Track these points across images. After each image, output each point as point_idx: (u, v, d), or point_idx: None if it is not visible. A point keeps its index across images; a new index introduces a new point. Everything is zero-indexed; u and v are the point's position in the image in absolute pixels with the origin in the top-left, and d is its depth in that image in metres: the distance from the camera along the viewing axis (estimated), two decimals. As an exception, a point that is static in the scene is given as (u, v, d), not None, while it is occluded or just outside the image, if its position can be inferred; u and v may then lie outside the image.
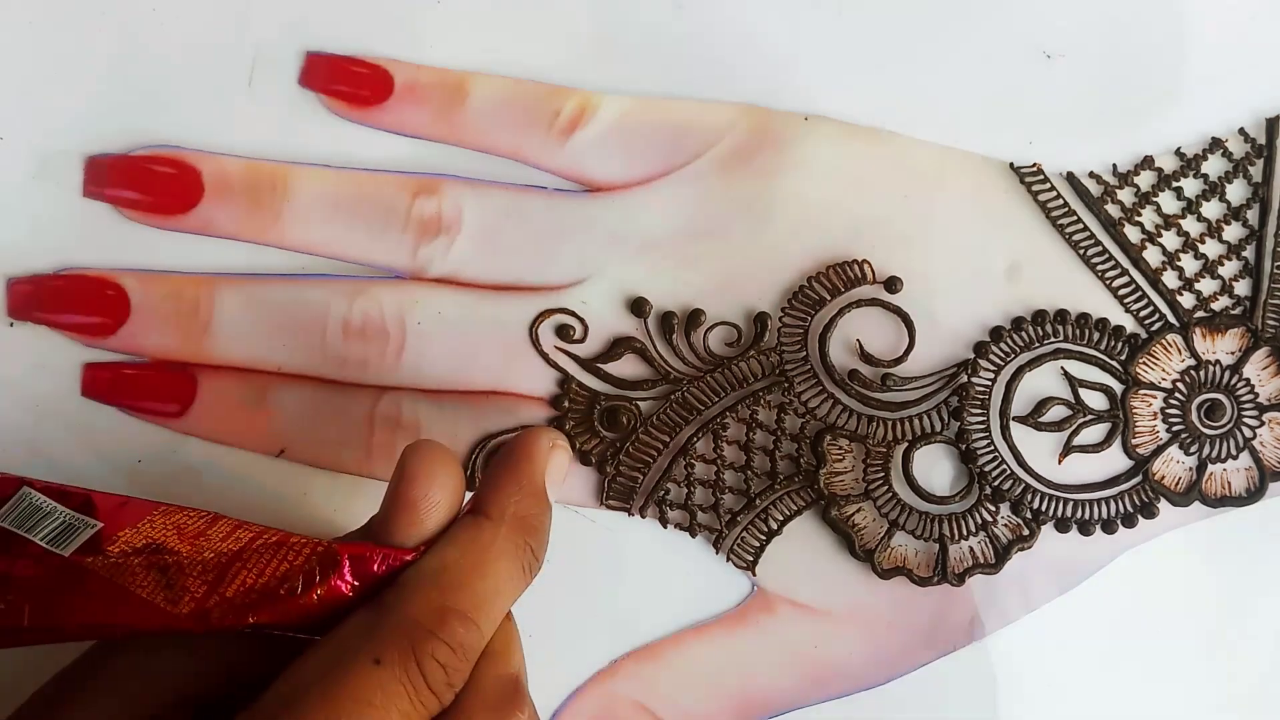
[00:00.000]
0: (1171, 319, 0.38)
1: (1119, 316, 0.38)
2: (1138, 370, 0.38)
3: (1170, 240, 0.38)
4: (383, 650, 0.26)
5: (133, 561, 0.27)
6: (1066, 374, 0.38)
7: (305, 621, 0.27)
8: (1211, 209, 0.39)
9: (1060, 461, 0.38)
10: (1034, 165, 0.38)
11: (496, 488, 0.31)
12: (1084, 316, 0.38)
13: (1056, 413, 0.38)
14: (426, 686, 0.26)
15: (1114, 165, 0.38)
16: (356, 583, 0.28)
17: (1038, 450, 0.38)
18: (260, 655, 0.28)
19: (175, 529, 0.28)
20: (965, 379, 0.38)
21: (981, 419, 0.38)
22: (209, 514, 0.29)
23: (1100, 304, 0.38)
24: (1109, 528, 0.38)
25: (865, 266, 0.37)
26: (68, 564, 0.27)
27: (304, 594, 0.27)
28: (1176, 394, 0.38)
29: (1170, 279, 0.38)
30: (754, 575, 0.38)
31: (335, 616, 0.27)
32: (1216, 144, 0.38)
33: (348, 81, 0.37)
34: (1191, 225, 0.39)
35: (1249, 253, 0.39)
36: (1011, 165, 0.38)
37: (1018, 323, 0.38)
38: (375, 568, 0.28)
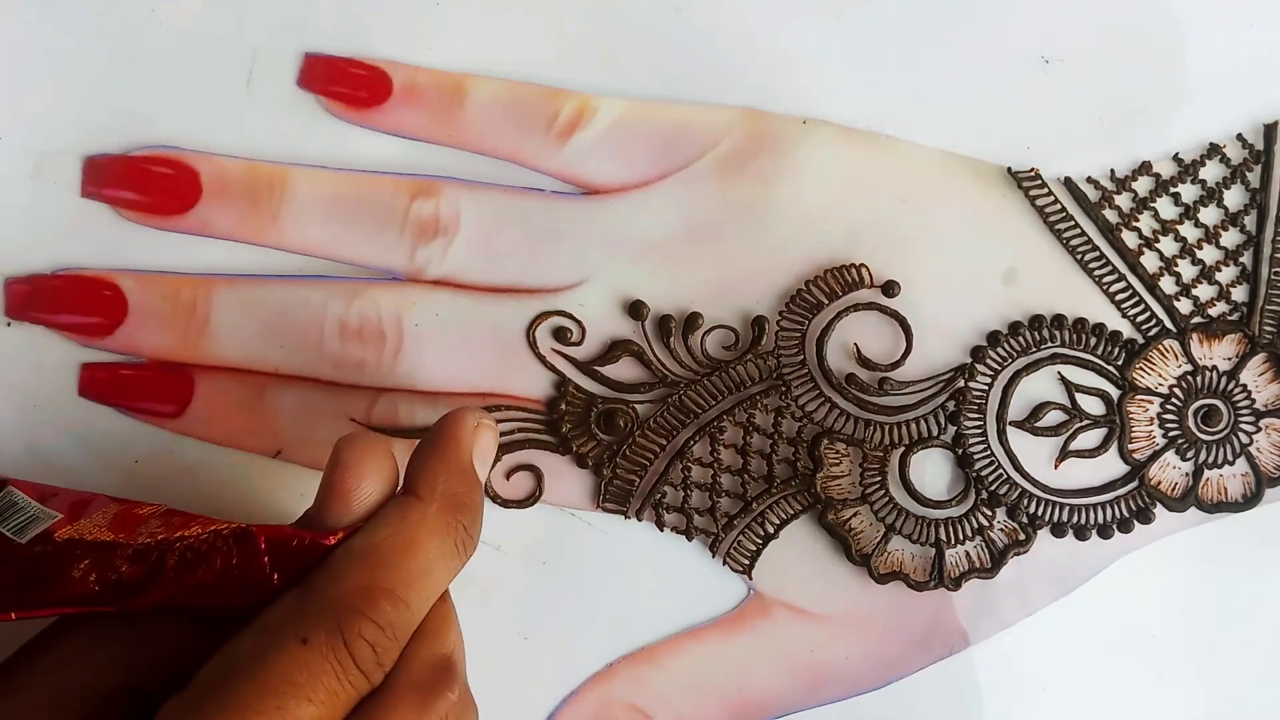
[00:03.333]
0: (1168, 324, 0.38)
1: (1116, 321, 0.38)
2: (1134, 375, 0.38)
3: (1168, 246, 0.38)
4: (309, 630, 0.26)
5: (72, 547, 0.29)
6: (1063, 379, 0.38)
7: (227, 602, 0.28)
8: (1209, 215, 0.39)
9: (1057, 466, 0.38)
10: (1032, 170, 0.38)
11: (424, 467, 0.30)
12: (1081, 321, 0.38)
13: (1053, 417, 0.38)
14: (355, 665, 0.26)
15: (1111, 170, 0.38)
16: (274, 564, 0.28)
17: (1034, 455, 0.38)
18: (197, 645, 0.28)
19: (120, 519, 0.30)
20: (962, 383, 0.38)
21: (978, 423, 0.38)
22: (155, 506, 0.30)
23: (1097, 309, 0.38)
24: (1105, 533, 0.38)
25: (863, 270, 0.37)
26: (20, 549, 0.29)
27: (222, 573, 0.28)
28: (1173, 399, 0.38)
29: (1167, 284, 0.38)
30: (750, 579, 0.38)
31: (261, 600, 0.28)
32: (1214, 150, 0.38)
33: (346, 83, 0.37)
34: (1189, 231, 0.39)
35: (1246, 258, 0.39)
36: (1009, 170, 0.38)
37: (1015, 327, 0.38)
38: (294, 548, 0.28)
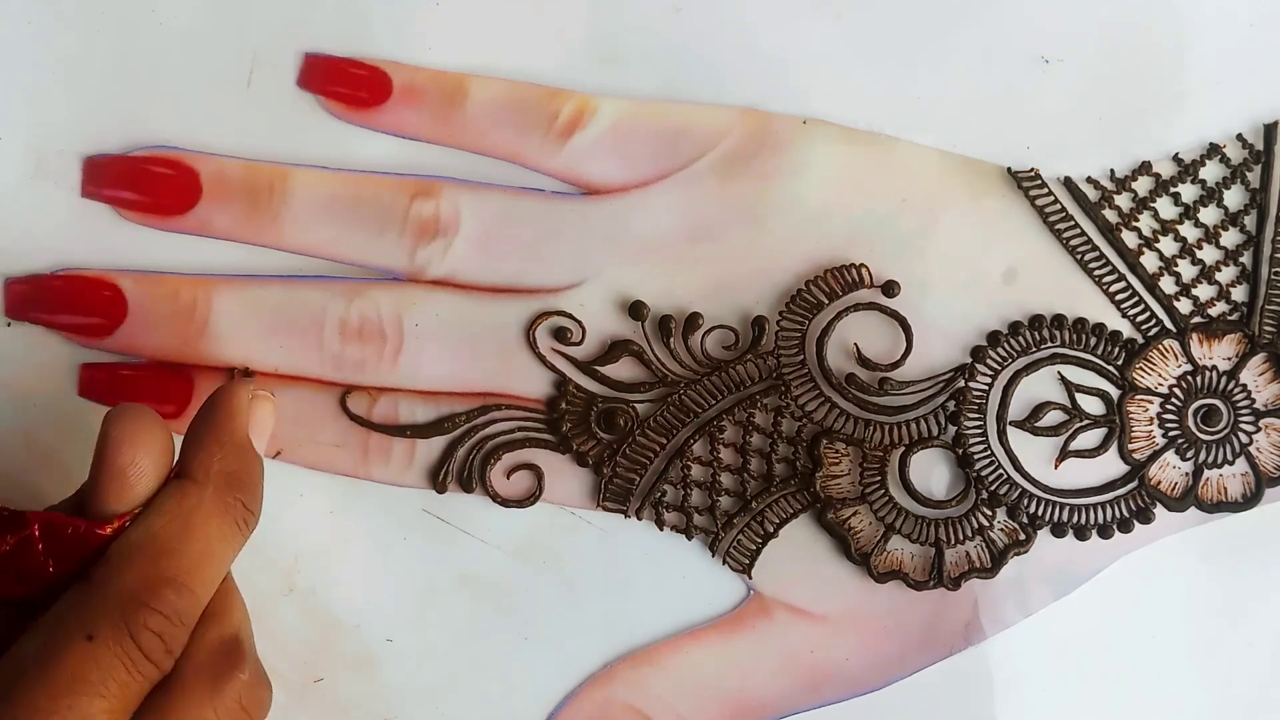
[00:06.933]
0: (1168, 324, 0.38)
1: (1116, 322, 0.38)
2: (1134, 375, 0.38)
3: (1168, 246, 0.38)
4: (95, 626, 0.27)
5: None
6: (1063, 379, 0.38)
7: (10, 591, 0.28)
8: (1209, 215, 0.39)
9: (1056, 466, 0.38)
10: (1031, 170, 0.38)
11: (199, 448, 0.31)
12: (1081, 321, 0.38)
13: (1053, 417, 0.38)
14: (144, 657, 0.27)
15: (1111, 170, 0.38)
16: (49, 552, 0.28)
17: (1034, 455, 0.38)
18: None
19: None
20: (962, 383, 0.38)
21: (978, 423, 0.38)
22: None
23: (1097, 309, 0.38)
24: (1105, 533, 0.38)
25: (863, 270, 0.37)
26: None
27: None
28: (1173, 399, 0.38)
29: (1167, 284, 0.38)
30: (750, 578, 0.38)
31: (38, 593, 0.28)
32: (1214, 150, 0.38)
33: (346, 83, 0.37)
34: (1189, 231, 0.39)
35: (1246, 258, 0.39)
36: (1009, 170, 0.38)
37: (1015, 327, 0.38)
38: (69, 536, 0.28)
